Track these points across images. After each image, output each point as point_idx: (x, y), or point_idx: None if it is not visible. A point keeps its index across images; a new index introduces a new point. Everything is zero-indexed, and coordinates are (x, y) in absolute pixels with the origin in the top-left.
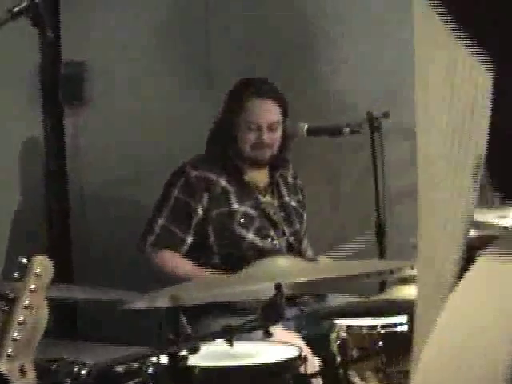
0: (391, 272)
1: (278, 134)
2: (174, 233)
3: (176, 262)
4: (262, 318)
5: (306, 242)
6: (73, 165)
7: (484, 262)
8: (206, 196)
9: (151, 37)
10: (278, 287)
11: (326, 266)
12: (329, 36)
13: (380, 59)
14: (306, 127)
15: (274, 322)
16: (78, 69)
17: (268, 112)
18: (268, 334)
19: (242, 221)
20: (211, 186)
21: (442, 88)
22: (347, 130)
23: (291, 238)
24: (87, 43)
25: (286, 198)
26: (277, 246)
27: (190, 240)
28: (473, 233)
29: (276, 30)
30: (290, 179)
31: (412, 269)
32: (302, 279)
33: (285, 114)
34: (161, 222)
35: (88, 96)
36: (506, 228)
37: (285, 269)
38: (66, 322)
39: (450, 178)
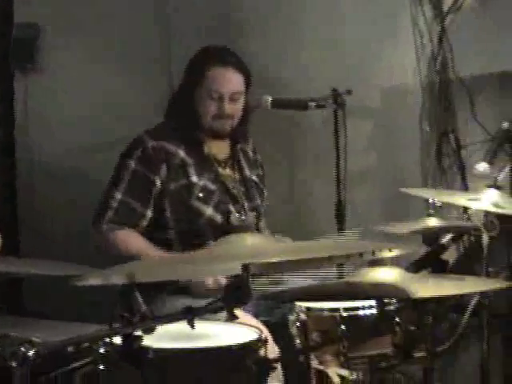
0: (373, 253)
1: (240, 105)
2: (133, 208)
3: (137, 243)
4: (226, 299)
5: (263, 221)
6: (22, 134)
7: None
8: (164, 167)
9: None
10: (246, 267)
11: (300, 247)
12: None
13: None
14: (270, 99)
15: (240, 304)
16: (31, 31)
17: (230, 81)
18: (233, 317)
19: (200, 195)
20: (170, 157)
21: None
22: (313, 104)
23: (251, 214)
24: (41, 4)
25: (247, 172)
26: (245, 221)
27: (149, 214)
28: (435, 222)
29: (240, 3)
30: (250, 153)
31: (390, 251)
32: (274, 260)
33: (247, 85)
34: (118, 196)
35: (41, 60)
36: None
37: (254, 248)
38: (10, 296)
39: None
